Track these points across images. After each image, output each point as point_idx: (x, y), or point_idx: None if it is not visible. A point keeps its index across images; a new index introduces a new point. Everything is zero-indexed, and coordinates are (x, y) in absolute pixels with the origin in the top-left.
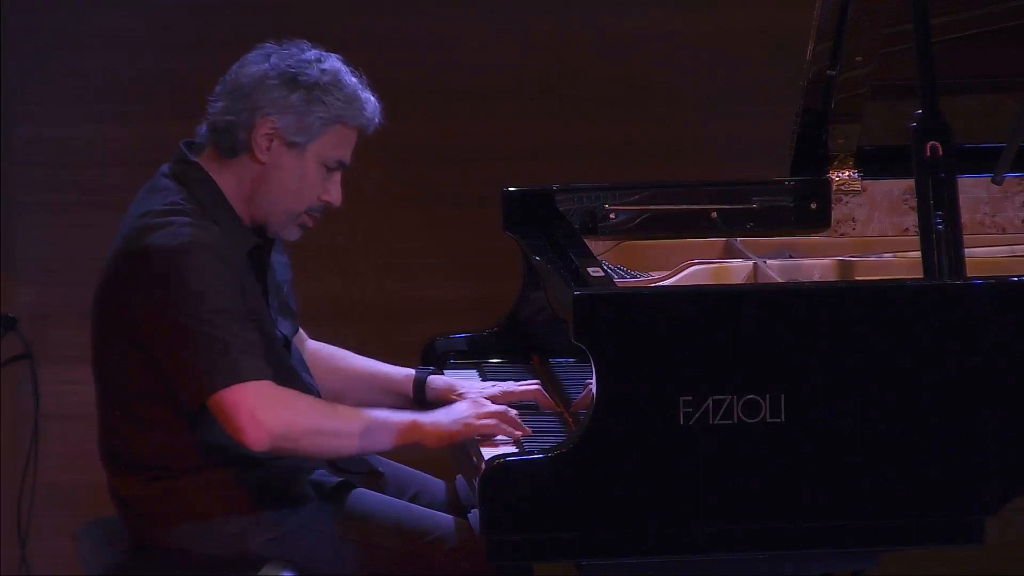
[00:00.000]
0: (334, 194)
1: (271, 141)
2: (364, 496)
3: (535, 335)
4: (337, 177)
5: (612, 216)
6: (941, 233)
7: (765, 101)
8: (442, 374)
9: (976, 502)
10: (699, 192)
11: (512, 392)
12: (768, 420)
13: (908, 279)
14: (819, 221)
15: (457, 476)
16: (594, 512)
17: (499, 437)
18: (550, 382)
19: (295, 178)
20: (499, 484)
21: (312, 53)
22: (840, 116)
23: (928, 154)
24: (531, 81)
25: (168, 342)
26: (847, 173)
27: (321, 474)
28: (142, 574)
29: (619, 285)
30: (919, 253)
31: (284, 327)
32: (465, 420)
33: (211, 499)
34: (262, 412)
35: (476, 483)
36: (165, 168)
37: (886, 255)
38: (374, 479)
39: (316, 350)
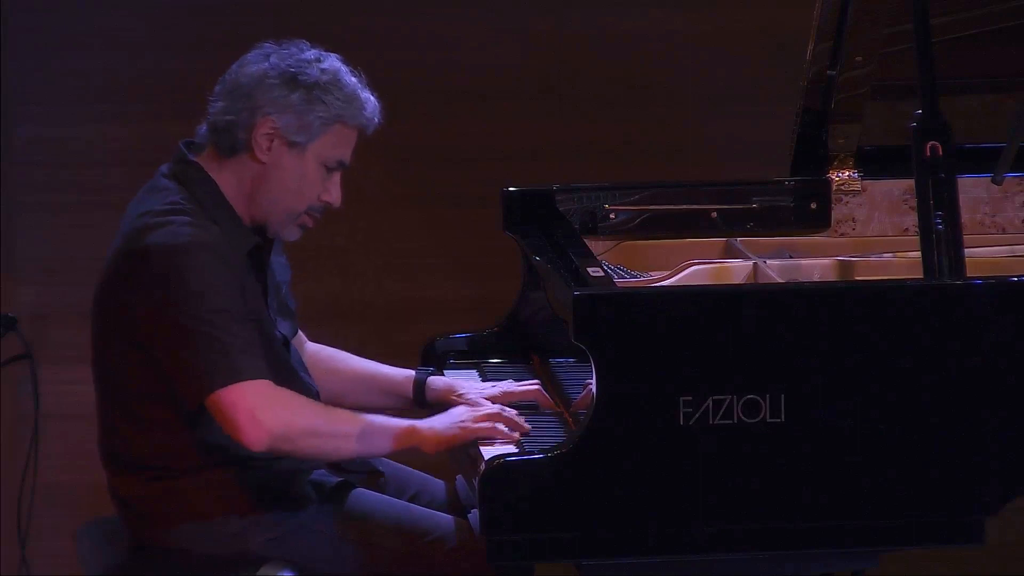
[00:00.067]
0: (334, 194)
1: (271, 141)
2: (364, 496)
3: (535, 335)
4: (337, 177)
5: (612, 216)
6: (941, 233)
7: (765, 101)
8: (442, 374)
9: (976, 502)
10: (699, 192)
11: (512, 392)
12: (768, 420)
13: (908, 279)
14: (819, 221)
15: (457, 476)
16: (594, 512)
17: (497, 438)
18: (550, 382)
19: (295, 178)
20: (499, 484)
21: (312, 53)
22: (840, 116)
23: (928, 154)
24: (531, 81)
25: (168, 342)
26: (847, 173)
27: (321, 474)
28: (142, 574)
29: (619, 285)
30: (919, 253)
31: (283, 327)
32: (462, 424)
33: (211, 499)
34: (261, 412)
35: (476, 483)
36: (165, 168)
37: (886, 255)
38: (374, 479)
39: (316, 352)
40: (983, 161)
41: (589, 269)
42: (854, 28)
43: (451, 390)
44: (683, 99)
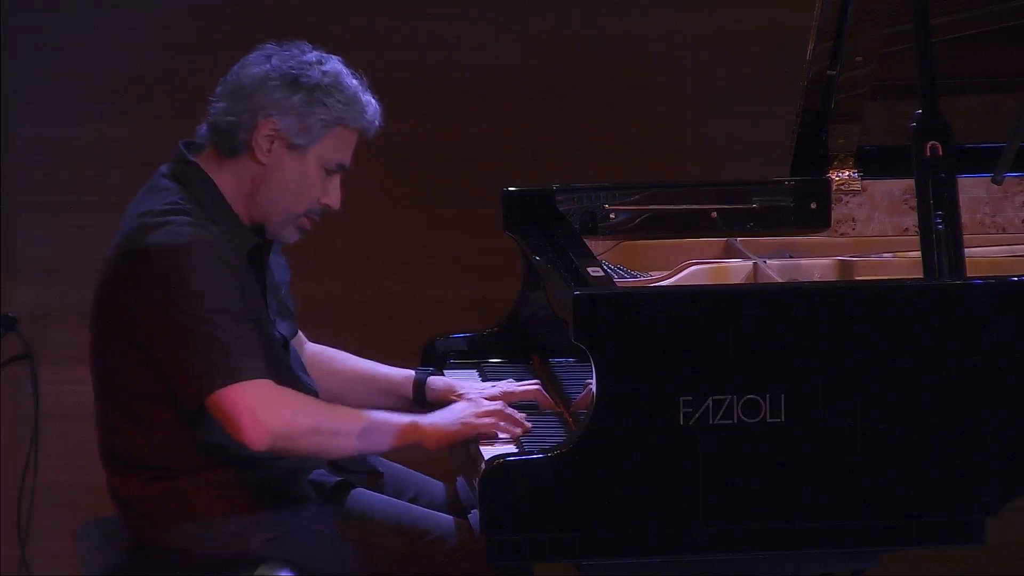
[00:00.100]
0: (333, 197)
1: (272, 142)
2: (364, 496)
3: (535, 335)
4: (336, 180)
5: (612, 216)
6: (941, 233)
7: (765, 101)
8: (442, 374)
9: (976, 502)
10: (699, 192)
11: (512, 392)
12: (768, 420)
13: (908, 279)
14: (819, 221)
15: (458, 478)
16: (594, 512)
17: (499, 435)
18: (550, 382)
19: (295, 179)
20: (499, 484)
21: (313, 55)
22: (840, 116)
23: (928, 154)
24: (531, 81)
25: (168, 342)
26: (847, 173)
27: (320, 474)
28: (142, 574)
29: (619, 285)
30: (919, 253)
31: (282, 328)
32: (464, 420)
33: (211, 499)
34: (262, 411)
35: (476, 483)
36: (164, 168)
37: (886, 255)
38: (373, 479)
39: (316, 352)
40: (983, 161)
41: (589, 269)
42: (854, 28)
43: (451, 390)
44: (683, 99)
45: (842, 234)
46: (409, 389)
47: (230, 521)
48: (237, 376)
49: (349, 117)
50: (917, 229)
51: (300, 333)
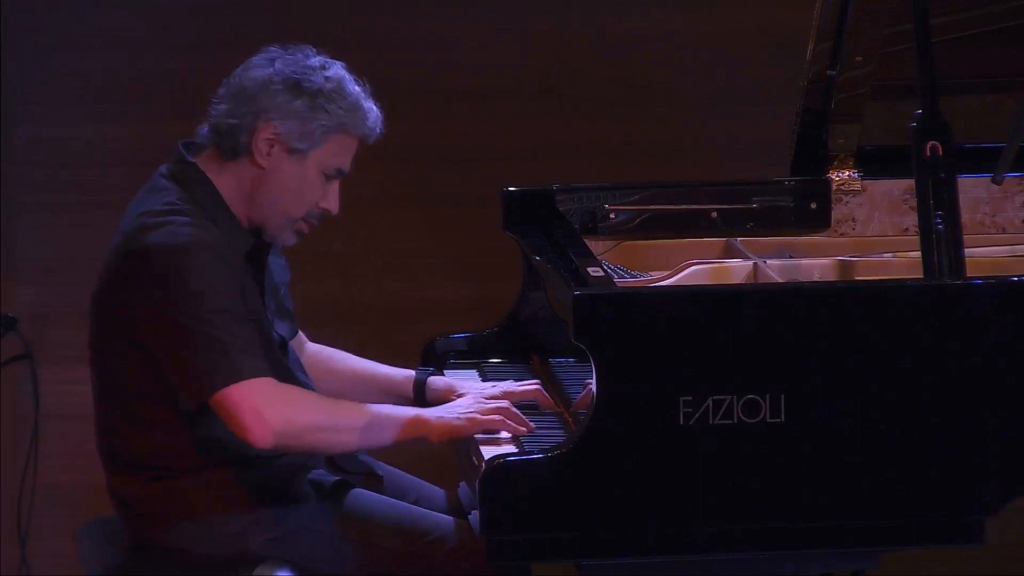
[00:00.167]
0: (332, 201)
1: (272, 146)
2: (364, 496)
3: (535, 335)
4: (336, 185)
5: (612, 216)
6: (941, 233)
7: (765, 101)
8: (442, 374)
9: (976, 502)
10: (699, 192)
11: (512, 392)
12: (768, 420)
13: (908, 279)
14: (819, 221)
15: (460, 484)
16: (594, 512)
17: (501, 434)
18: (550, 382)
19: (294, 183)
20: (499, 484)
21: (317, 60)
22: (840, 116)
23: (928, 154)
24: (531, 81)
25: (168, 342)
26: (847, 173)
27: (320, 474)
28: (142, 574)
29: (619, 285)
30: (919, 253)
31: (281, 328)
32: (469, 415)
33: (211, 499)
34: (265, 409)
35: (476, 483)
36: (163, 169)
37: (886, 255)
38: (373, 483)
39: (316, 352)
40: (983, 161)
41: (589, 269)
42: (854, 28)
43: (451, 390)
44: (683, 99)
45: (842, 234)
46: (409, 389)
47: (230, 521)
48: (238, 376)
49: (350, 123)
50: (917, 229)
51: (300, 333)
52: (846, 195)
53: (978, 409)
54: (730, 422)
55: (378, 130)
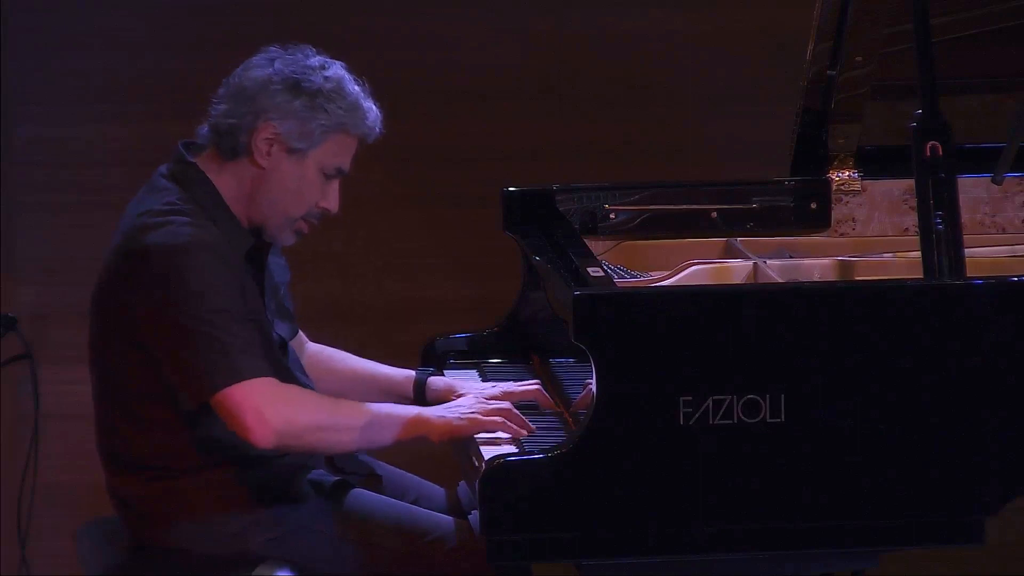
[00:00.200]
0: (332, 201)
1: (271, 146)
2: (364, 496)
3: (535, 335)
4: (335, 184)
5: (612, 216)
6: (941, 233)
7: (765, 101)
8: (442, 375)
9: (976, 502)
10: (699, 192)
11: (512, 392)
12: (768, 420)
13: (908, 279)
14: (819, 221)
15: (460, 483)
16: (594, 512)
17: (500, 435)
18: (550, 382)
19: (294, 183)
20: (499, 484)
21: (316, 60)
22: (840, 116)
23: (928, 154)
24: (531, 81)
25: (168, 342)
26: (847, 173)
27: (320, 474)
28: (142, 574)
29: (619, 285)
30: (919, 253)
31: (281, 329)
32: (471, 415)
33: (211, 499)
34: (266, 409)
35: (476, 484)
36: (163, 168)
37: (886, 255)
38: (373, 483)
39: (316, 352)
40: (983, 161)
41: (589, 269)
42: (854, 28)
43: (451, 390)
44: (683, 99)
45: (842, 234)
46: (409, 389)
47: (230, 521)
48: (238, 376)
49: (350, 123)
50: (917, 229)
51: (301, 333)
52: (846, 195)
53: (978, 409)
54: (730, 422)
55: (378, 129)
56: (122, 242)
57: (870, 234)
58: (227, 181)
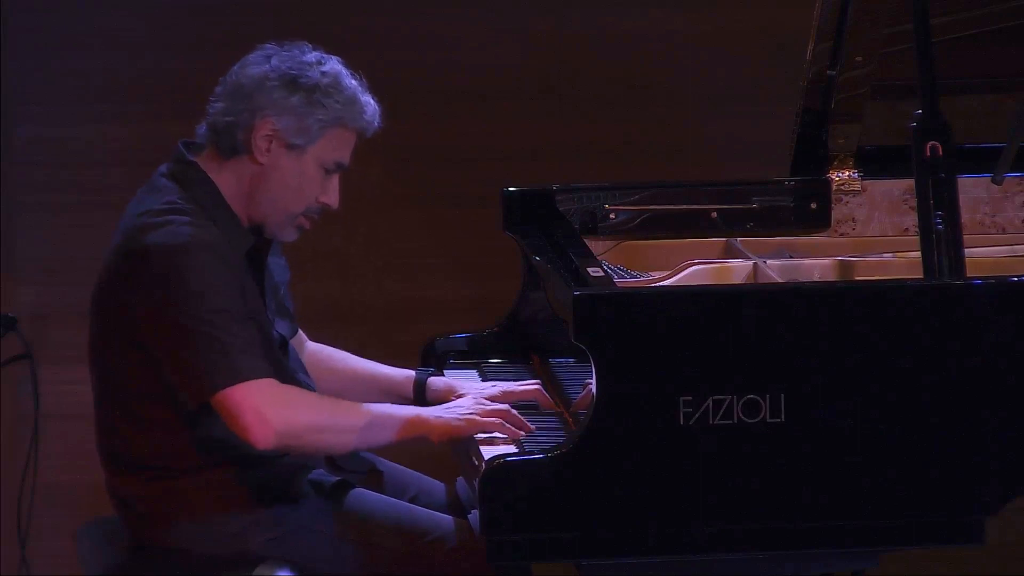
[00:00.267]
0: (332, 196)
1: (270, 142)
2: (364, 496)
3: (535, 335)
4: (335, 179)
5: (612, 216)
6: (941, 233)
7: (765, 101)
8: (442, 375)
9: (976, 502)
10: (699, 192)
11: (512, 392)
12: (768, 420)
13: (908, 279)
14: (819, 221)
15: (458, 478)
16: (594, 512)
17: (500, 435)
18: (550, 382)
19: (294, 179)
20: (499, 484)
21: (313, 55)
22: (840, 116)
23: (928, 154)
24: (531, 81)
25: (168, 342)
26: (847, 173)
27: (320, 474)
28: (142, 574)
29: (619, 285)
30: (919, 253)
31: (281, 328)
32: (470, 416)
33: (211, 499)
34: (266, 410)
35: (476, 483)
36: (163, 168)
37: (886, 255)
38: (374, 479)
39: (316, 352)
40: (983, 161)
41: (589, 269)
42: (854, 28)
43: (451, 390)
44: (683, 99)
45: (842, 234)
46: (409, 389)
47: (230, 521)
48: (238, 376)
49: (348, 117)
50: (917, 229)
51: (301, 332)
52: (846, 195)
53: (978, 409)
54: (730, 422)
55: (376, 123)
56: (122, 242)
57: (870, 234)
58: (227, 179)
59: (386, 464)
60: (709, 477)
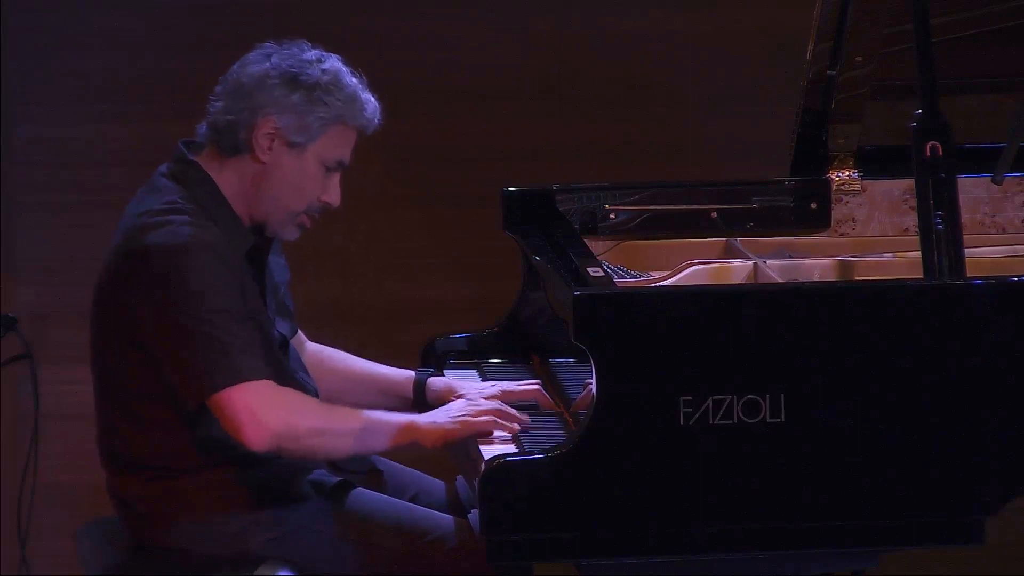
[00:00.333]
0: (333, 194)
1: (272, 141)
2: (364, 496)
3: (535, 335)
4: (336, 177)
5: (612, 216)
6: (941, 233)
7: (765, 101)
8: (442, 375)
9: (976, 502)
10: (699, 192)
11: (512, 392)
12: (768, 420)
13: (908, 279)
14: (819, 221)
15: (457, 477)
16: (594, 512)
17: (497, 434)
18: (550, 382)
19: (295, 177)
20: (499, 484)
21: (313, 53)
22: (840, 116)
23: (928, 154)
24: (531, 81)
25: (168, 342)
26: (847, 173)
27: (321, 474)
28: (142, 574)
29: (619, 285)
30: (919, 253)
31: (282, 327)
32: (462, 418)
33: (211, 499)
34: (262, 412)
35: (476, 483)
36: (163, 168)
37: (886, 255)
38: (374, 478)
39: (316, 352)
40: (983, 161)
41: (589, 269)
42: (854, 28)
43: (451, 390)
44: (683, 99)
45: (842, 234)
46: (409, 390)
47: (230, 521)
48: (237, 376)
49: (348, 115)
50: (917, 229)
51: (300, 332)
52: (846, 195)
53: (978, 409)
54: (730, 422)
55: (376, 120)
56: (122, 242)
57: (870, 234)
58: (228, 178)
59: (386, 463)
60: (709, 477)
